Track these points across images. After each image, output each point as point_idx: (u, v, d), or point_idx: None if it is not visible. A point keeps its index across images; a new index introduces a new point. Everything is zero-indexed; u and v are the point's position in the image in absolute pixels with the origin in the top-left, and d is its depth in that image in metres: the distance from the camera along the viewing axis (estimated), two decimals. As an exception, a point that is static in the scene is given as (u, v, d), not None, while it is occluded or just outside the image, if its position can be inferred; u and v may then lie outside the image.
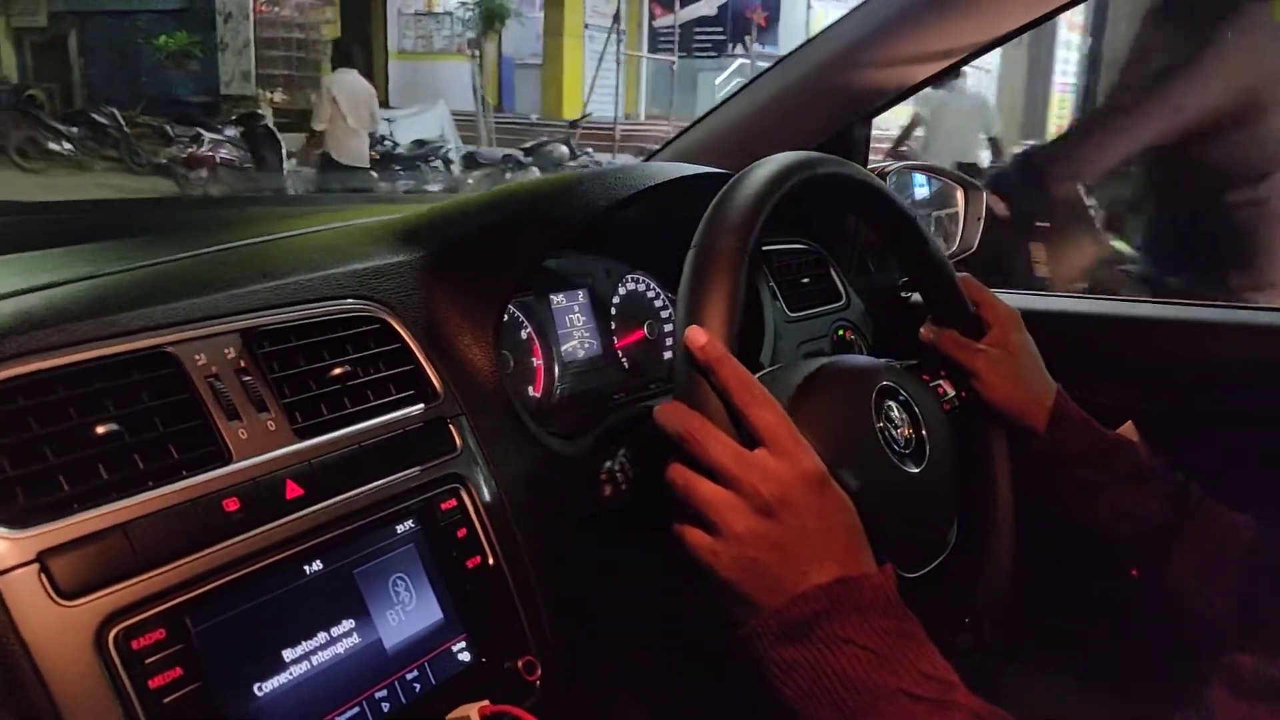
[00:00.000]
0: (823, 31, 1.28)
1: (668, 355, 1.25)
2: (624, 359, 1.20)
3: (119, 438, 0.64)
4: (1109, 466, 0.96)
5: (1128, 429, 1.15)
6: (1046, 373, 1.00)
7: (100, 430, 0.63)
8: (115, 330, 0.67)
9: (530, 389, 1.09)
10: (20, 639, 0.54)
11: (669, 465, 0.72)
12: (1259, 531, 0.90)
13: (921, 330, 1.03)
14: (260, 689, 0.64)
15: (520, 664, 0.79)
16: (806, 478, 0.68)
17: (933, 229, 1.49)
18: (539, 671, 0.79)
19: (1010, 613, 0.94)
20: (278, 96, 15.66)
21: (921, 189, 1.53)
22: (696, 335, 0.71)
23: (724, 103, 1.32)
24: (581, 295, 1.16)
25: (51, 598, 0.56)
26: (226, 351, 0.72)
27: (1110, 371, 1.26)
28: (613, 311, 1.20)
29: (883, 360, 0.95)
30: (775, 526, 0.67)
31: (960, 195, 1.53)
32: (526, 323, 1.09)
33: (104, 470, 0.62)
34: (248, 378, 0.72)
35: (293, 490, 0.70)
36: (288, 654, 0.66)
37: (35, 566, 0.56)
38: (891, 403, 0.88)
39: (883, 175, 1.36)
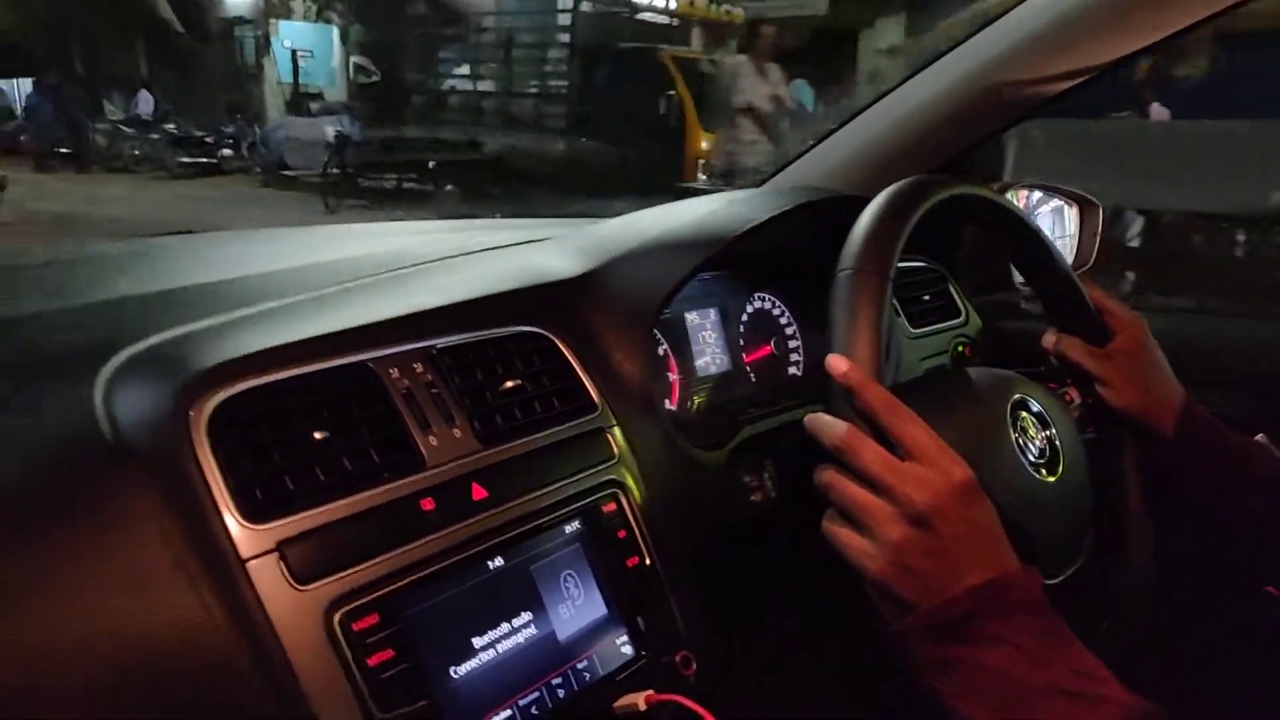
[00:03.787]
0: (951, 48, 1.30)
1: (793, 371, 1.29)
2: (752, 375, 1.25)
3: (331, 444, 0.71)
4: (1240, 470, 0.96)
5: (1260, 440, 1.15)
6: (1174, 377, 1.01)
7: (316, 436, 0.71)
8: (324, 349, 0.75)
9: (666, 402, 1.14)
10: (266, 615, 0.62)
11: (820, 468, 0.76)
12: None
13: (1045, 338, 1.04)
14: (456, 672, 0.71)
15: (678, 658, 0.84)
16: (959, 487, 0.72)
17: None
18: (694, 666, 0.84)
19: (1147, 618, 0.96)
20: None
21: (1038, 206, 1.54)
22: (838, 364, 0.76)
23: (851, 119, 1.36)
24: (713, 313, 1.22)
25: (289, 582, 0.63)
26: (417, 367, 0.79)
27: (1240, 384, 1.26)
28: (741, 329, 1.25)
29: (1011, 372, 0.98)
30: (929, 535, 0.70)
31: (1075, 211, 1.55)
32: (663, 339, 1.15)
33: (321, 473, 0.69)
34: (435, 390, 0.79)
35: (478, 492, 0.77)
36: (477, 641, 0.73)
37: (275, 555, 0.64)
38: (1025, 414, 0.91)
39: (1002, 192, 1.38)
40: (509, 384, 0.85)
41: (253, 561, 0.63)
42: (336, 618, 0.65)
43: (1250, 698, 1.08)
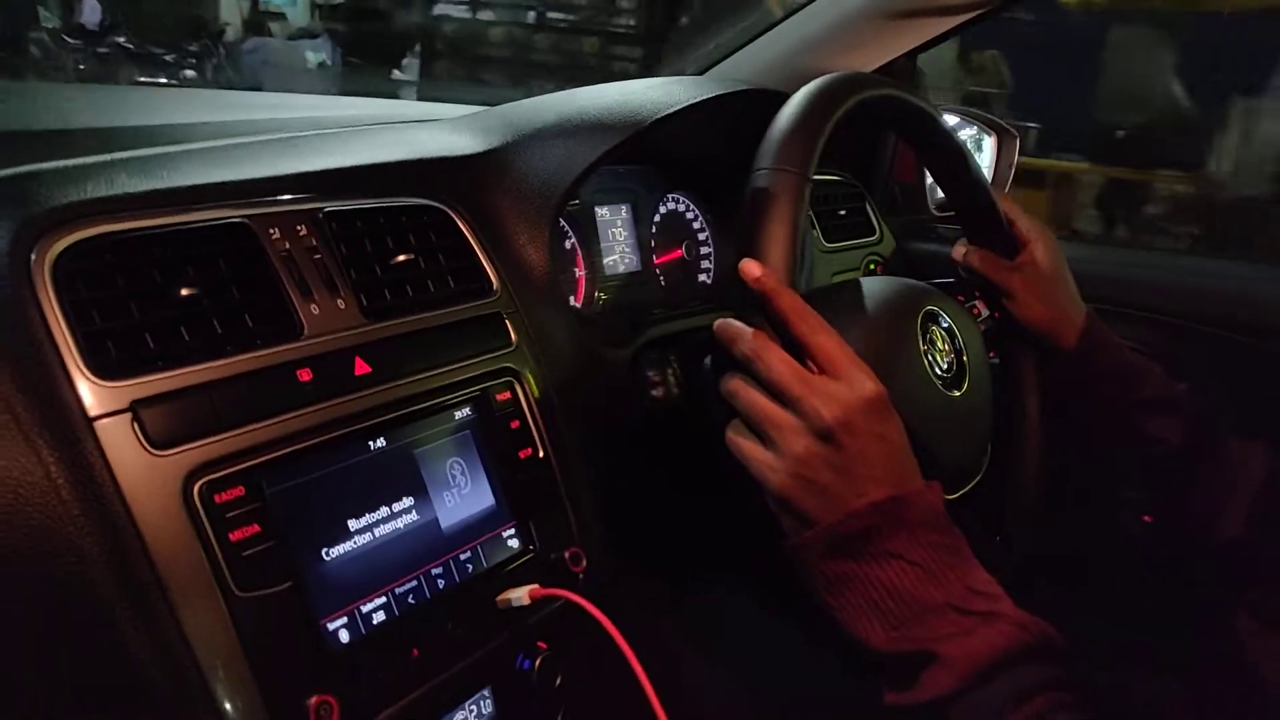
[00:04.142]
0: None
1: (703, 279, 1.26)
2: (661, 278, 1.21)
3: (199, 303, 0.65)
4: (1135, 390, 0.97)
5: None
6: (1078, 295, 1.01)
7: (183, 293, 0.64)
8: (195, 198, 0.68)
9: (571, 298, 1.10)
10: (115, 481, 0.56)
11: (726, 375, 0.73)
12: (1275, 466, 0.92)
13: (954, 249, 1.03)
14: (328, 553, 0.66)
15: (566, 554, 0.81)
16: (868, 403, 0.69)
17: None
18: (584, 563, 0.81)
19: (1036, 533, 0.96)
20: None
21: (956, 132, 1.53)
22: (750, 268, 0.71)
23: (777, 23, 1.32)
24: (625, 210, 1.17)
25: (143, 446, 0.58)
26: (299, 229, 0.73)
27: (1140, 319, 1.28)
28: (653, 229, 1.20)
29: (923, 283, 0.97)
30: (833, 450, 0.68)
31: (993, 139, 1.54)
32: (571, 232, 1.10)
33: (186, 333, 0.63)
34: (318, 256, 0.73)
35: (361, 367, 0.71)
36: (353, 523, 0.68)
37: (129, 415, 0.58)
38: (935, 327, 0.90)
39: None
40: (401, 258, 0.79)
41: (101, 421, 0.57)
42: (196, 487, 0.60)
43: (1126, 620, 1.11)
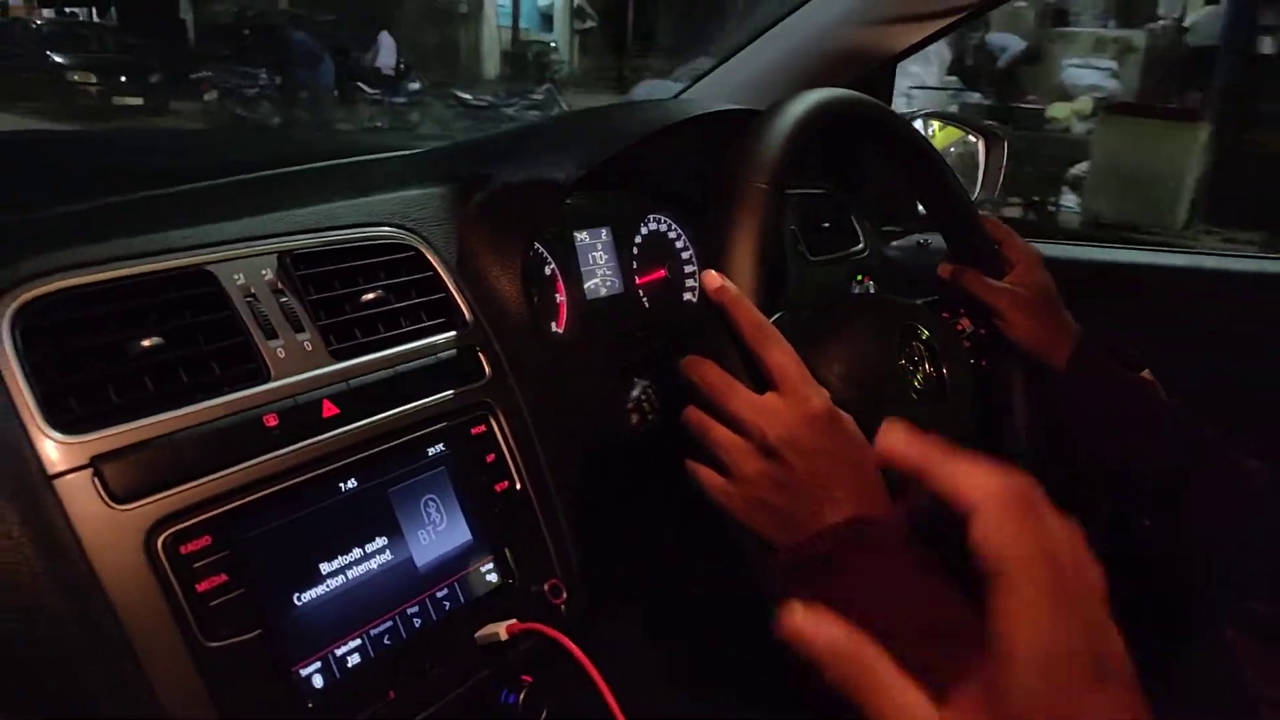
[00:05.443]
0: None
1: (688, 297, 1.26)
2: (644, 298, 1.21)
3: (163, 353, 0.65)
4: (1126, 407, 0.97)
5: (1145, 374, 1.16)
6: (1066, 312, 1.01)
7: (145, 344, 0.64)
8: (156, 248, 0.68)
9: (554, 324, 1.10)
10: (76, 538, 0.56)
11: (689, 407, 0.73)
12: (1271, 478, 0.91)
13: (940, 267, 1.03)
14: (300, 598, 0.66)
15: (546, 587, 0.81)
16: (813, 418, 0.68)
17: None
18: (564, 595, 0.81)
19: None
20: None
21: (943, 136, 1.53)
22: (711, 279, 0.71)
23: (754, 40, 1.32)
24: (604, 233, 1.17)
25: (105, 501, 0.58)
26: (263, 272, 0.73)
27: (1128, 321, 1.27)
28: (634, 251, 1.20)
29: (907, 300, 0.96)
30: (779, 467, 0.67)
31: (982, 143, 1.54)
32: (550, 259, 1.10)
33: (150, 383, 0.63)
34: (284, 298, 0.73)
35: (329, 409, 0.71)
36: (325, 567, 0.68)
37: (89, 471, 0.58)
38: (915, 342, 0.89)
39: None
40: (370, 295, 0.79)
41: (62, 478, 0.57)
42: (161, 539, 0.60)
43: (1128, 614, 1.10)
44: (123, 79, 11.19)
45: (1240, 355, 1.21)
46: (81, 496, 0.57)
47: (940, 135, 1.51)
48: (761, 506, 0.68)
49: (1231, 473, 0.93)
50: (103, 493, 0.58)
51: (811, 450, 0.67)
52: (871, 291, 1.36)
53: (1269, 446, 0.93)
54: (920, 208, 1.47)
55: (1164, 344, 1.16)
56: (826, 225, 1.35)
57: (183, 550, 0.60)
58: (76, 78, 11.02)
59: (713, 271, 0.71)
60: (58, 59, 11.17)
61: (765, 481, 0.67)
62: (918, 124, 1.55)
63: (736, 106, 1.04)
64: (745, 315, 0.70)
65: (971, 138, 1.51)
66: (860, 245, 1.39)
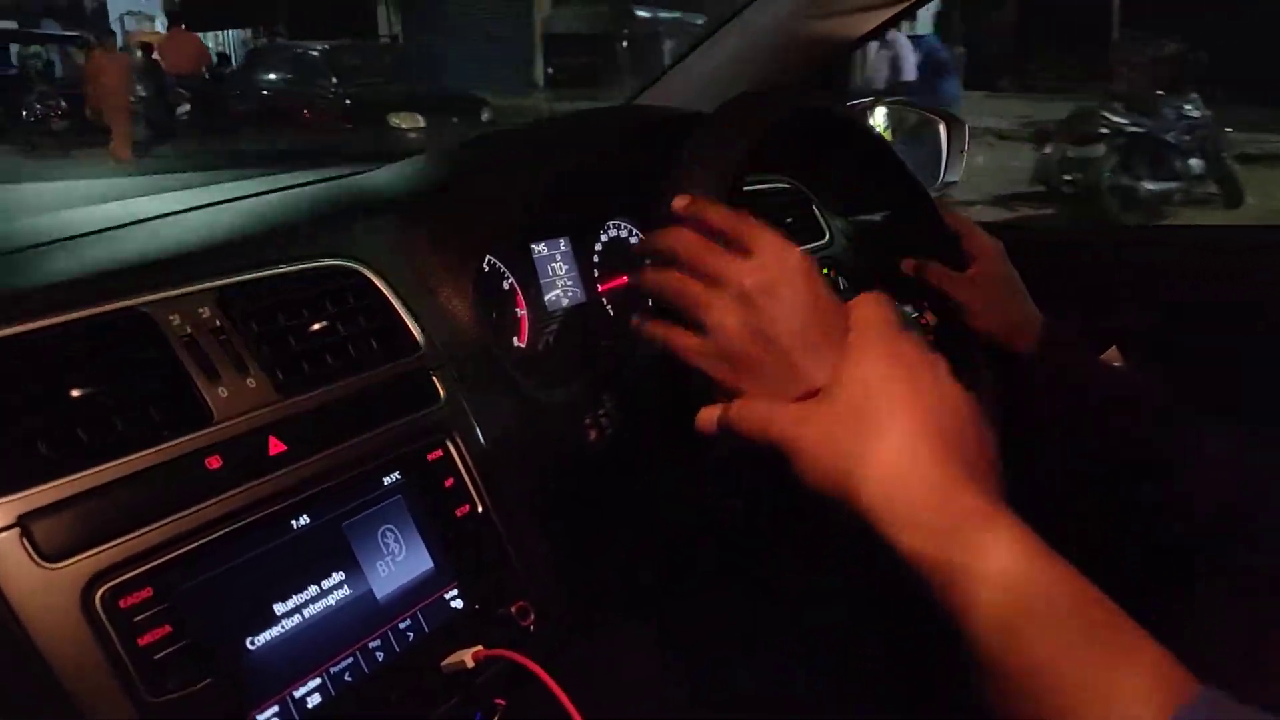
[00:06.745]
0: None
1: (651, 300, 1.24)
2: (608, 305, 1.19)
3: (97, 401, 0.63)
4: (1101, 389, 0.96)
5: (1112, 354, 1.15)
6: (1031, 302, 1.01)
7: (76, 394, 0.63)
8: (87, 293, 0.66)
9: (515, 339, 1.08)
10: (5, 601, 0.55)
11: (638, 269, 0.72)
12: (1245, 446, 0.90)
13: (904, 263, 1.03)
14: (252, 642, 0.64)
15: (513, 610, 0.79)
16: (792, 270, 0.66)
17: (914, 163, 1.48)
18: (532, 617, 0.80)
19: None
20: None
21: (901, 123, 1.51)
22: (679, 200, 0.72)
23: (701, 43, 1.30)
24: (563, 243, 1.15)
25: (35, 560, 0.56)
26: (201, 311, 0.71)
27: (1087, 297, 1.26)
28: (595, 259, 1.19)
29: (871, 294, 0.95)
30: (761, 317, 0.64)
31: (942, 128, 1.52)
32: (509, 274, 1.08)
33: (83, 434, 0.62)
34: (224, 337, 0.71)
35: (275, 446, 0.70)
36: (278, 607, 0.67)
37: (16, 531, 0.56)
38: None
39: (866, 110, 1.34)
40: (316, 326, 0.77)
41: None
42: (98, 595, 0.58)
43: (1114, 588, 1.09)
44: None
45: (1201, 321, 1.20)
46: (8, 557, 0.55)
47: (896, 121, 1.49)
48: (739, 361, 0.65)
49: (1206, 444, 0.93)
50: (32, 552, 0.56)
51: (790, 299, 0.65)
52: (841, 286, 1.35)
53: (1238, 411, 0.92)
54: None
55: (1126, 316, 1.16)
56: (790, 220, 1.34)
57: (122, 605, 0.58)
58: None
59: (680, 194, 0.72)
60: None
61: (745, 333, 0.65)
62: (880, 111, 1.54)
63: (689, 111, 1.03)
64: (719, 212, 0.70)
65: (931, 122, 1.49)
66: (826, 239, 1.37)
